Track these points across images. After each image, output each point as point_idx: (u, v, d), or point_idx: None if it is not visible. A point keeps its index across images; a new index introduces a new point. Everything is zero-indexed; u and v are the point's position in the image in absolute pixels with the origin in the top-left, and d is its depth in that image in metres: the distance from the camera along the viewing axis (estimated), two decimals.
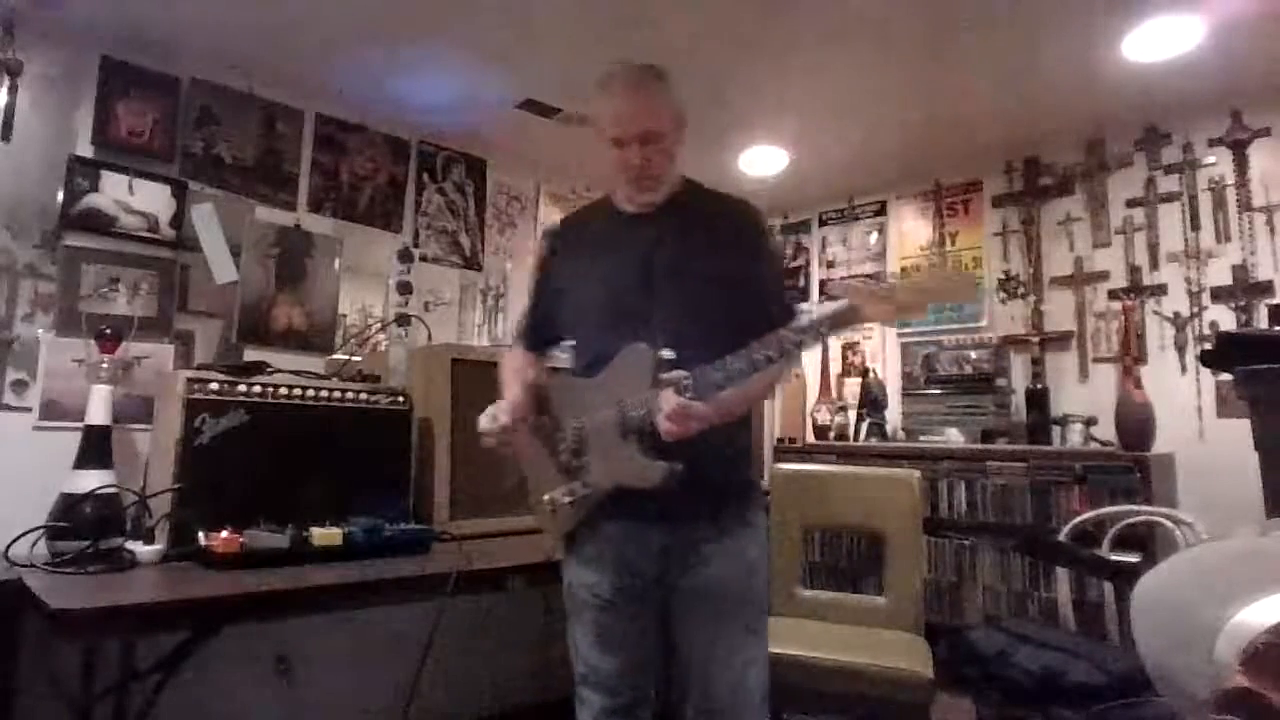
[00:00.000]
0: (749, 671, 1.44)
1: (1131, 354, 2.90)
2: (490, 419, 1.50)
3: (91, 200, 2.32)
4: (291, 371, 2.18)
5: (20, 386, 2.18)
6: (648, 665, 1.53)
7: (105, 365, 2.07)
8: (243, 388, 1.95)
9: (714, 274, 1.46)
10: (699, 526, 1.44)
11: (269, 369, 2.14)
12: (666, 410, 1.28)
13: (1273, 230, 2.77)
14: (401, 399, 2.22)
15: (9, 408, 2.15)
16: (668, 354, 1.36)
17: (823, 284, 3.99)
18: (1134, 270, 3.05)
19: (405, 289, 3.01)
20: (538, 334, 1.69)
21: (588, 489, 1.46)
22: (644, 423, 1.35)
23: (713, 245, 1.48)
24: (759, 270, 1.51)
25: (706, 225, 1.51)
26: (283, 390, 2.01)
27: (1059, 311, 3.22)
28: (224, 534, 1.73)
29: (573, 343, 1.62)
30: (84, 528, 1.76)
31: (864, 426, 3.47)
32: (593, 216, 1.65)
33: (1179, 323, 2.93)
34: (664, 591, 1.47)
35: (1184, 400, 2.85)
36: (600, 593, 1.48)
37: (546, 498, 1.51)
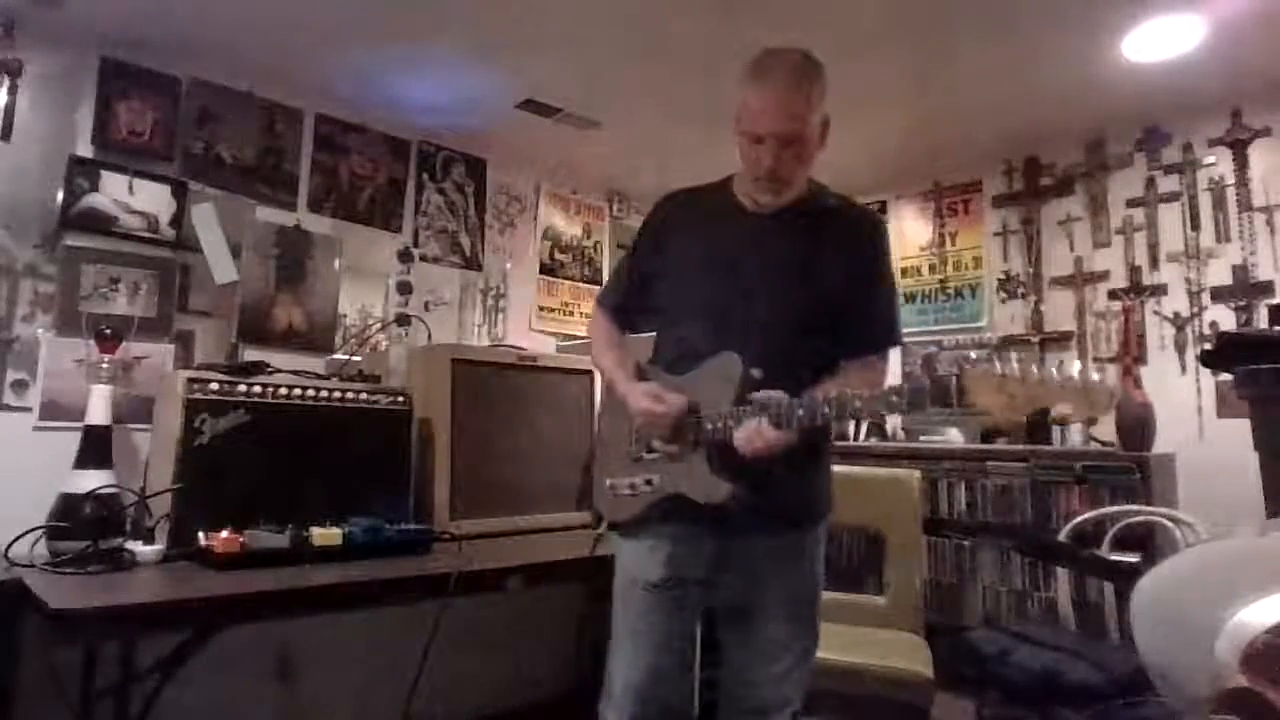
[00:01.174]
0: (791, 683, 1.42)
1: (1131, 354, 2.90)
2: (654, 400, 1.40)
3: (91, 200, 2.32)
4: (291, 371, 2.17)
5: (20, 386, 2.18)
6: (682, 673, 1.50)
7: (105, 365, 2.07)
8: (243, 388, 1.94)
9: (824, 291, 1.39)
10: (757, 542, 1.41)
11: (269, 369, 2.13)
12: (748, 436, 1.27)
13: (1273, 230, 2.77)
14: (401, 399, 2.21)
15: (9, 408, 2.16)
16: (757, 373, 1.32)
17: None
18: (1134, 270, 3.05)
19: (405, 289, 3.01)
20: (628, 307, 1.62)
21: (649, 486, 1.44)
22: (716, 437, 1.33)
23: (829, 260, 1.40)
24: (873, 292, 1.44)
25: (825, 237, 1.42)
26: (283, 390, 2.01)
27: (1059, 311, 3.22)
28: (224, 534, 1.72)
29: (652, 335, 1.58)
30: (84, 528, 1.76)
31: (864, 426, 3.46)
32: (709, 201, 1.53)
33: (1179, 323, 2.93)
34: (709, 597, 1.45)
35: (1184, 400, 2.85)
36: (646, 585, 1.45)
37: (608, 483, 1.50)
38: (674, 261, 1.51)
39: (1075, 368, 1.07)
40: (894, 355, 1.53)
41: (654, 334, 1.58)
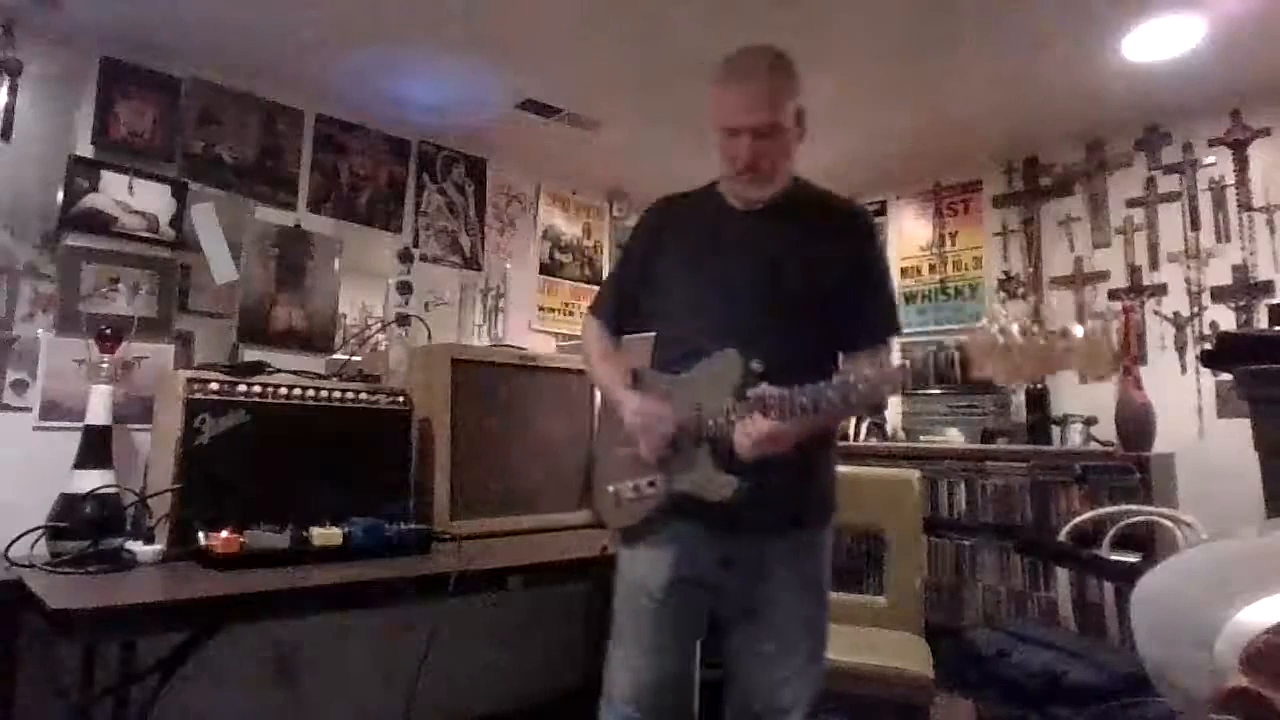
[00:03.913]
0: (797, 692, 1.39)
1: (1131, 354, 2.90)
2: (646, 422, 1.41)
3: (91, 200, 2.31)
4: (292, 371, 2.18)
5: (20, 386, 2.18)
6: (686, 679, 1.48)
7: (105, 365, 2.07)
8: (243, 388, 1.94)
9: (818, 285, 1.40)
10: (765, 542, 1.40)
11: (269, 369, 2.14)
12: (748, 431, 1.26)
13: (1273, 230, 2.77)
14: (401, 399, 2.21)
15: (9, 408, 2.15)
16: (757, 366, 1.31)
17: None
18: (1134, 270, 3.05)
19: (405, 289, 3.01)
20: (621, 313, 1.62)
21: (654, 488, 1.42)
22: (720, 433, 1.33)
23: (820, 254, 1.41)
24: (866, 283, 1.45)
25: (816, 232, 1.43)
26: (283, 390, 2.01)
27: (1059, 312, 3.22)
28: (224, 534, 1.72)
29: (651, 335, 1.56)
30: (84, 528, 1.76)
31: (864, 426, 3.46)
32: (699, 204, 1.54)
33: (1179, 323, 2.93)
34: (716, 599, 1.44)
35: (1184, 400, 2.85)
36: (652, 590, 1.44)
37: (611, 488, 1.47)
38: (667, 265, 1.52)
39: (1077, 330, 1.03)
40: (895, 345, 1.51)
41: (653, 334, 1.57)
